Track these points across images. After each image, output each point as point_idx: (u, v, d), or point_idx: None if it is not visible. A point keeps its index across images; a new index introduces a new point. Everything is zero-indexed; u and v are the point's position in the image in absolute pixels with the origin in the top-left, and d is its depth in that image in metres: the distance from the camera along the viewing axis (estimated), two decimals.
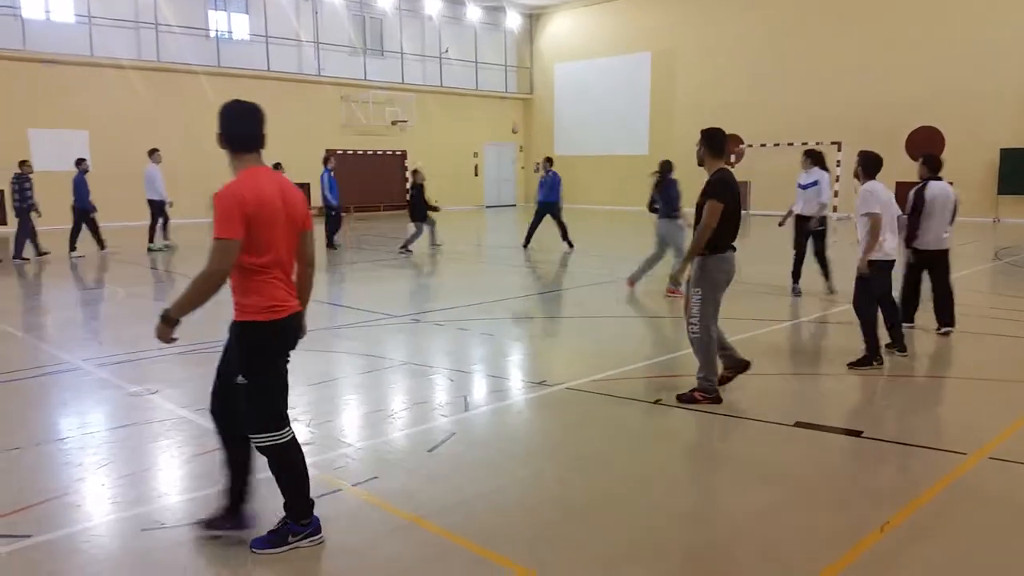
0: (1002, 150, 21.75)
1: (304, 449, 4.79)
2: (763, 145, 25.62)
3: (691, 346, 5.67)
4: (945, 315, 7.85)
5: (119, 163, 22.07)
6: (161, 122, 22.91)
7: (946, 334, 7.77)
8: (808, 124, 24.85)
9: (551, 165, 16.58)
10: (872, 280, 6.56)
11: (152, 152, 16.48)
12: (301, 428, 5.18)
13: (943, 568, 3.40)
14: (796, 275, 10.36)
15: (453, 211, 28.12)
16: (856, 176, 6.77)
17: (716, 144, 5.57)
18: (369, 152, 27.97)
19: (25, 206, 14.34)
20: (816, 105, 24.90)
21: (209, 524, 3.66)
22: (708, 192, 5.47)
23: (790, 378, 6.44)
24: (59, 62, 21.30)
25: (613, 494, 4.15)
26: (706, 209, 5.42)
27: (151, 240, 16.30)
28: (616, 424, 5.30)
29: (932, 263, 7.81)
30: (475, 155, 32.17)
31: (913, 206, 7.61)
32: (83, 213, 15.08)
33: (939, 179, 7.68)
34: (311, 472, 4.38)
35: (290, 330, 3.51)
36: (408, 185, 17.65)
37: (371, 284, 12.33)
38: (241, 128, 3.58)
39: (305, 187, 27.55)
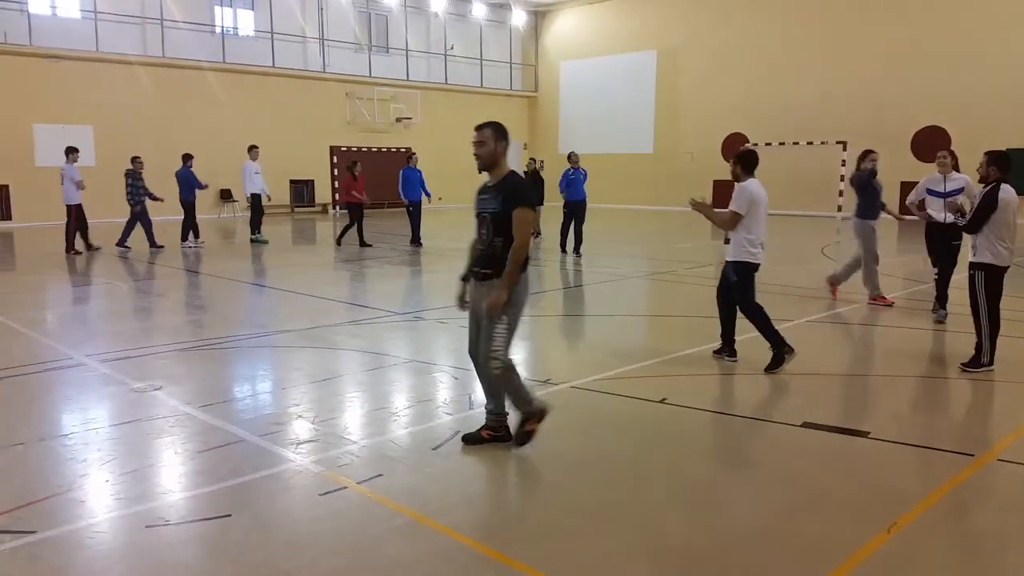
0: (1008, 150, 21.62)
1: (308, 446, 4.80)
2: (768, 144, 25.55)
3: (488, 385, 4.73)
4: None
5: (123, 159, 22.07)
6: (166, 117, 22.92)
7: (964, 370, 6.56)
8: (814, 123, 24.78)
9: (578, 162, 15.44)
10: (731, 280, 6.51)
11: (251, 148, 17.24)
12: (305, 425, 5.18)
13: (951, 570, 3.37)
14: (942, 297, 8.65)
15: (457, 208, 28.08)
16: (735, 176, 6.47)
17: (506, 139, 4.57)
18: (374, 149, 27.96)
19: (135, 200, 15.35)
20: (822, 104, 24.83)
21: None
22: (515, 198, 4.41)
23: (797, 378, 6.41)
24: (64, 57, 21.31)
25: (619, 493, 4.13)
26: (519, 220, 4.38)
27: (255, 232, 16.90)
28: (622, 423, 5.28)
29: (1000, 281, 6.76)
30: None
31: (980, 209, 6.43)
32: (188, 205, 16.11)
33: (1006, 181, 6.52)
34: (316, 469, 4.38)
35: None
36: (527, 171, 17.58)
37: (375, 281, 12.32)
38: None
39: (309, 183, 27.53)
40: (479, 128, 4.55)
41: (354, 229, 16.14)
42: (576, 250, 14.76)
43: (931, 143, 22.63)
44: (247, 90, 24.75)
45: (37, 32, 21.15)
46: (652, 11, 29.46)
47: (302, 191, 27.07)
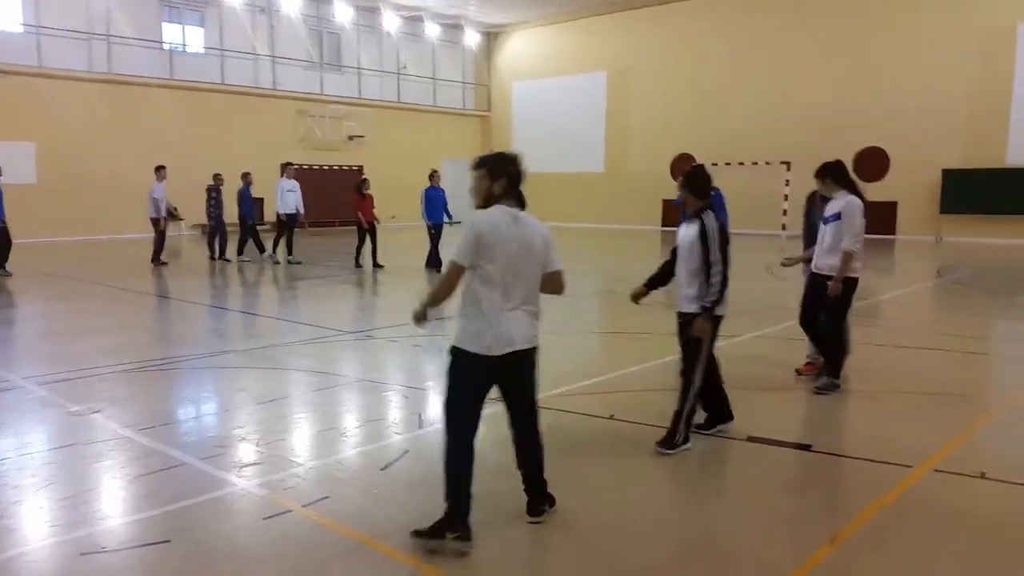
0: (944, 171, 22.43)
1: (252, 469, 4.72)
2: (715, 164, 26.01)
3: None
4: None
5: (67, 176, 21.60)
6: (113, 134, 22.45)
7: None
8: (761, 143, 25.37)
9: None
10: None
11: (286, 165, 17.54)
12: (250, 447, 5.08)
13: None
14: (836, 365, 6.48)
15: (411, 227, 27.99)
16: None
17: None
18: (326, 167, 27.74)
19: (215, 213, 16.71)
20: (768, 124, 25.45)
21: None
22: None
23: (741, 392, 6.50)
24: (5, 72, 20.76)
25: (567, 510, 4.13)
26: None
27: (289, 252, 16.63)
28: (570, 440, 5.28)
29: None
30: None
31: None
32: (244, 221, 16.93)
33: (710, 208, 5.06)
34: (260, 492, 4.29)
35: None
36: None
37: (325, 300, 12.18)
38: None
39: (259, 201, 27.20)
40: None
41: (359, 247, 15.48)
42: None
43: (873, 163, 23.39)
44: (196, 107, 24.38)
45: None
46: (603, 33, 29.90)
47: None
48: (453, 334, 3.76)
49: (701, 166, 5.26)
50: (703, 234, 4.82)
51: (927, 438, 5.31)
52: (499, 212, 3.68)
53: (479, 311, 3.67)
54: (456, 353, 3.77)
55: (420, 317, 3.84)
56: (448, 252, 3.62)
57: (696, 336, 4.87)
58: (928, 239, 22.76)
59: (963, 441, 5.28)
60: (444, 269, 3.68)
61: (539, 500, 3.99)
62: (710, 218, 4.86)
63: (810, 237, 6.99)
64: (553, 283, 3.93)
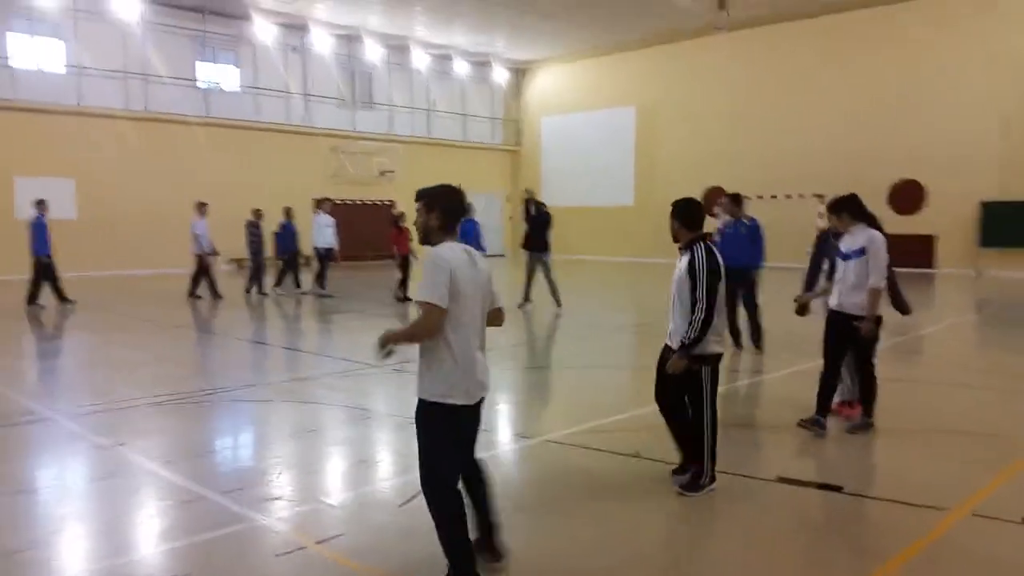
0: (982, 203, 22.02)
1: (271, 504, 4.69)
2: (747, 197, 25.85)
3: None
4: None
5: (105, 211, 22.11)
6: (149, 171, 22.98)
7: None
8: (792, 175, 25.17)
9: (738, 205, 10.14)
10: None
11: (323, 201, 17.55)
12: (272, 482, 5.06)
13: None
14: (824, 405, 6.15)
15: None
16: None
17: None
18: (358, 202, 28.08)
19: (255, 248, 16.76)
20: (799, 157, 25.28)
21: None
22: None
23: (771, 431, 6.36)
24: (48, 111, 21.40)
25: (588, 549, 4.03)
26: None
27: (322, 287, 16.80)
28: (594, 478, 5.19)
29: None
30: None
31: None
32: (283, 255, 17.29)
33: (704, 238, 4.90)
34: (276, 528, 4.26)
35: None
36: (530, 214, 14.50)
37: (358, 333, 12.22)
38: None
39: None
40: None
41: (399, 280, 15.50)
42: (755, 341, 9.80)
43: (907, 196, 23.10)
44: (231, 144, 24.89)
45: (21, 86, 21.26)
46: (630, 68, 30.09)
47: None
48: (421, 388, 3.52)
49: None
50: (691, 268, 4.61)
51: (964, 480, 5.12)
52: (457, 249, 3.46)
53: (451, 357, 3.42)
54: (434, 408, 3.48)
55: (386, 345, 3.58)
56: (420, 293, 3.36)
57: (672, 373, 4.69)
58: (968, 273, 22.29)
59: (1003, 483, 5.08)
60: (421, 312, 3.37)
61: (499, 540, 3.78)
62: (700, 251, 4.63)
63: (814, 278, 7.08)
64: (497, 318, 3.71)
